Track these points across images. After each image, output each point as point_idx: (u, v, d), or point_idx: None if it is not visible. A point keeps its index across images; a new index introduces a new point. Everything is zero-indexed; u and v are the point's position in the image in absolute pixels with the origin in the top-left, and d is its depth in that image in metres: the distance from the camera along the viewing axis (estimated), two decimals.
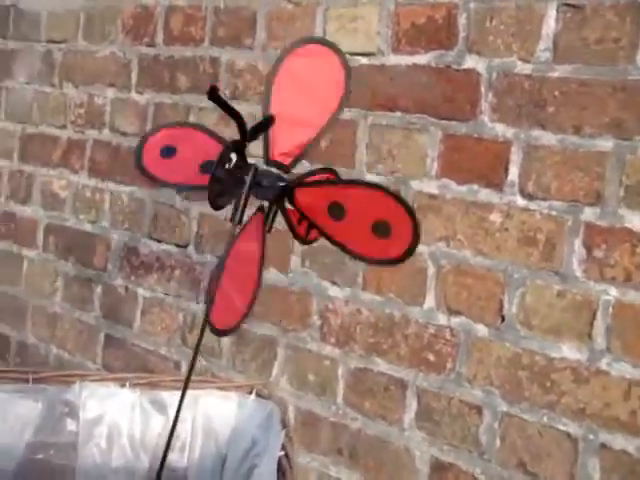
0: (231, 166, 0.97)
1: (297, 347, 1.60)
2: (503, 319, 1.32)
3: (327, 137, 1.54)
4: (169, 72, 1.84)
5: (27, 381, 1.03)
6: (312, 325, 1.57)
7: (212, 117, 1.71)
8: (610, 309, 1.22)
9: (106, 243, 1.98)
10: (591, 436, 1.23)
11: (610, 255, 1.22)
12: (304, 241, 1.05)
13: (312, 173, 1.02)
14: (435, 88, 1.41)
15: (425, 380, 1.41)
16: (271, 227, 1.01)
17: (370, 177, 1.49)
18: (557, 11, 1.27)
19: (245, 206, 1.00)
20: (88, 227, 2.02)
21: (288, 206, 1.01)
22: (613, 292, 1.21)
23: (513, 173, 1.32)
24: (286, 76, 1.03)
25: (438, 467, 1.40)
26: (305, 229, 1.03)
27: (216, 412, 1.07)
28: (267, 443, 0.98)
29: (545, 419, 1.28)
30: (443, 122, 1.40)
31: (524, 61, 1.30)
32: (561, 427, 1.26)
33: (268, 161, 1.02)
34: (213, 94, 0.94)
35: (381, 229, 0.94)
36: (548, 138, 1.28)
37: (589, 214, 1.24)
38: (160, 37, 1.86)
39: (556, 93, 1.27)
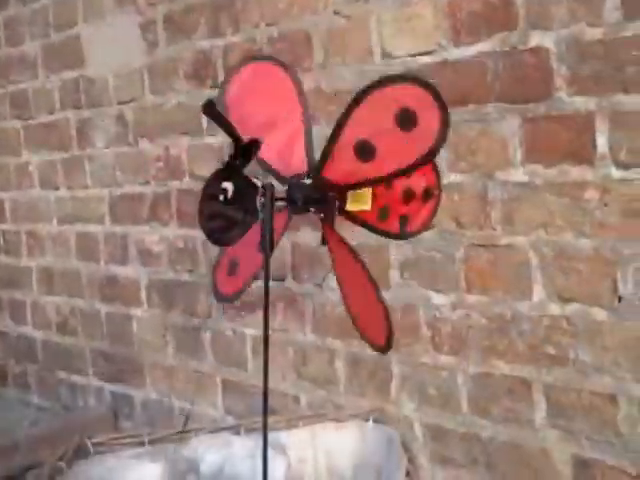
0: (229, 195, 0.90)
1: (411, 362, 1.55)
2: (620, 299, 1.25)
3: None
4: None
5: (143, 444, 1.02)
6: (423, 337, 1.52)
7: None
8: None
9: (206, 289, 1.98)
10: None
11: None
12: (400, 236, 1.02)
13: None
14: (504, 73, 1.35)
15: (549, 375, 1.34)
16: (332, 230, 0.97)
17: (454, 177, 1.43)
18: None
19: (272, 230, 0.93)
20: (186, 276, 2.04)
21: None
22: None
23: (602, 145, 1.24)
24: (241, 108, 1.00)
25: (581, 465, 1.32)
26: (394, 221, 0.99)
27: (336, 447, 1.04)
28: (391, 471, 0.94)
29: None
30: (519, 106, 1.33)
31: (593, 26, 1.23)
32: None
33: (285, 180, 0.98)
34: (209, 109, 0.87)
35: (406, 120, 0.88)
36: (633, 101, 1.20)
37: None
38: (221, 77, 1.86)
39: (634, 52, 1.19)
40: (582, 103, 1.26)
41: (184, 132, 1.98)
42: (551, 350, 1.33)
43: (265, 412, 0.95)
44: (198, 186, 1.96)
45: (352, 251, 1.06)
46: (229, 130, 0.88)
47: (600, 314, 1.27)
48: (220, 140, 1.89)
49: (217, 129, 1.91)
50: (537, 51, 1.30)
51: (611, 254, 1.25)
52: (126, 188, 2.18)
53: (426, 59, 1.46)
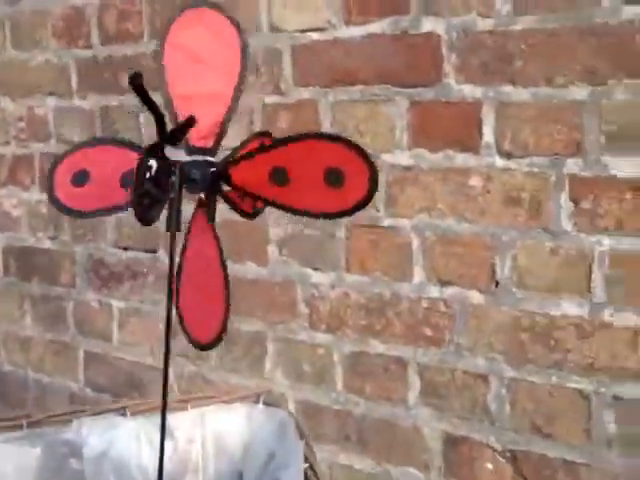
0: (153, 174, 0.88)
1: (287, 339, 1.55)
2: (497, 284, 1.29)
3: (288, 119, 1.49)
4: (111, 73, 1.76)
5: (21, 427, 0.97)
6: (300, 315, 1.53)
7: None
8: (606, 259, 1.19)
9: (70, 258, 1.90)
10: (602, 389, 1.21)
11: (599, 205, 1.19)
12: (252, 216, 0.98)
13: (243, 145, 0.93)
14: (395, 56, 1.35)
15: (425, 355, 1.38)
16: (214, 217, 0.92)
17: None
18: None
19: (179, 210, 0.89)
20: (48, 244, 1.94)
21: (225, 188, 0.94)
22: (607, 242, 1.19)
23: (488, 134, 1.28)
24: (176, 51, 0.93)
25: (450, 442, 1.37)
26: (250, 204, 0.96)
27: (225, 427, 1.03)
28: (285, 454, 0.93)
29: (554, 379, 1.25)
30: (408, 90, 1.35)
31: (484, 17, 1.26)
32: (571, 385, 1.24)
33: (190, 149, 0.95)
34: (135, 81, 0.85)
35: (334, 178, 0.86)
36: (519, 93, 1.24)
37: (572, 166, 1.21)
38: (96, 37, 1.78)
39: (522, 46, 1.23)
40: (470, 91, 1.28)
41: (51, 92, 1.88)
42: (428, 331, 1.37)
43: (165, 393, 0.93)
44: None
45: (216, 237, 1.01)
46: (154, 108, 0.84)
47: (477, 298, 1.31)
48: (90, 103, 1.81)
49: (88, 91, 1.82)
50: (428, 37, 1.32)
51: (490, 240, 1.29)
52: None
53: (315, 36, 1.44)
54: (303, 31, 1.46)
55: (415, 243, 1.37)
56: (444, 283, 1.35)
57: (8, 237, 2.02)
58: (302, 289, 1.52)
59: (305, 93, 1.47)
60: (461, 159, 1.30)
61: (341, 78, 1.42)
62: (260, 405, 1.03)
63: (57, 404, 1.98)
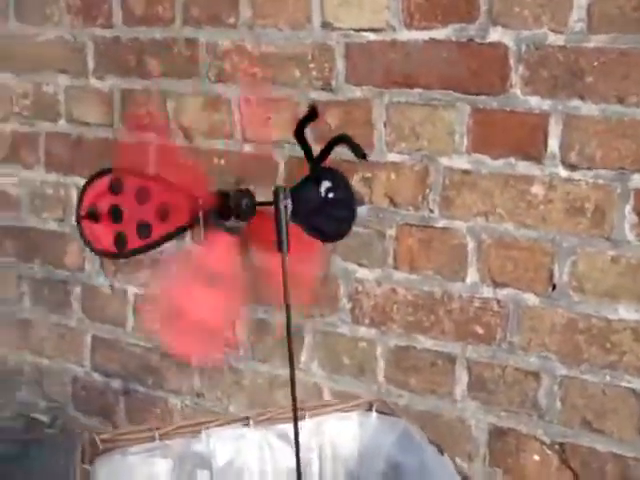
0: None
1: (326, 332, 1.58)
2: (554, 287, 1.36)
3: (338, 116, 1.51)
4: (135, 56, 1.71)
5: (153, 439, 0.97)
6: (341, 309, 1.56)
7: (196, 101, 1.64)
8: None
9: (79, 241, 1.85)
10: None
11: None
12: None
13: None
14: (458, 63, 1.38)
15: (475, 352, 1.44)
16: None
17: (393, 156, 1.46)
18: None
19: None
20: (54, 226, 1.89)
21: None
22: None
23: (553, 145, 1.33)
24: None
25: (497, 433, 1.44)
26: None
27: (340, 435, 1.06)
28: (418, 467, 0.97)
29: (607, 378, 1.34)
30: (470, 97, 1.38)
31: (556, 32, 1.30)
32: (625, 384, 1.32)
33: None
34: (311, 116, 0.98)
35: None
36: (589, 108, 1.30)
37: (638, 180, 1.28)
38: (119, 18, 1.72)
39: (594, 63, 1.28)
40: (537, 103, 1.33)
41: (62, 70, 1.81)
42: (479, 329, 1.43)
43: (294, 401, 0.96)
44: (77, 131, 1.81)
45: None
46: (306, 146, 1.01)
47: (532, 299, 1.37)
48: (109, 85, 1.76)
49: (107, 73, 1.76)
50: (495, 47, 1.35)
51: (550, 246, 1.35)
52: None
53: (372, 36, 1.45)
54: (358, 30, 1.46)
55: (470, 245, 1.42)
56: (498, 285, 1.40)
57: (5, 217, 1.95)
58: (345, 284, 1.54)
59: (357, 92, 1.48)
60: (523, 167, 1.35)
61: (398, 80, 1.44)
62: (373, 413, 1.06)
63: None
